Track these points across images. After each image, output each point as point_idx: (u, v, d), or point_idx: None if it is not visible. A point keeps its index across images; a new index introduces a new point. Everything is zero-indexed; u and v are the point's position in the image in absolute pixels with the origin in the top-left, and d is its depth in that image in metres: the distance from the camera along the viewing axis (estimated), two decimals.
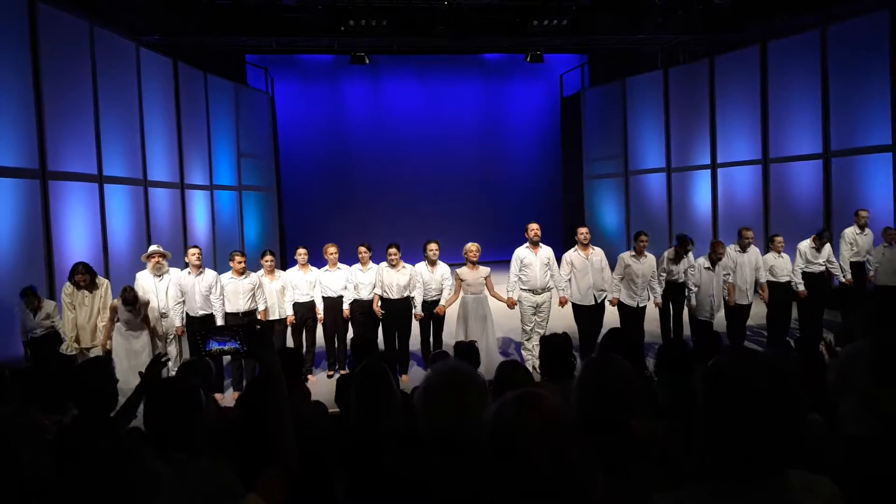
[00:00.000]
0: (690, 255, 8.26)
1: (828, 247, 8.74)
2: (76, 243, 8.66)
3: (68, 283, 7.15)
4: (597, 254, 8.18)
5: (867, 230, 9.03)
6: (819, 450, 2.99)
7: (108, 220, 9.35)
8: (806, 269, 8.60)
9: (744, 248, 8.35)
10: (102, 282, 7.34)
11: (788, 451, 1.46)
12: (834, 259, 8.78)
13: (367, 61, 14.97)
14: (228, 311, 7.55)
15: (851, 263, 8.91)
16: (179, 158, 11.70)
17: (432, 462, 1.87)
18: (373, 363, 3.12)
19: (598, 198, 16.41)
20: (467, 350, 4.74)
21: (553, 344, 3.89)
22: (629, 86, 15.40)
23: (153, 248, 7.86)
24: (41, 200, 8.05)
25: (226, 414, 3.96)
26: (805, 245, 8.69)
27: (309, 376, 7.98)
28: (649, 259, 8.19)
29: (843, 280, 8.82)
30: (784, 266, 8.52)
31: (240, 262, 7.62)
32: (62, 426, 3.12)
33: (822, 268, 8.64)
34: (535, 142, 18.78)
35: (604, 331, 8.44)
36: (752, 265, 8.36)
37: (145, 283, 7.54)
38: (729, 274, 8.22)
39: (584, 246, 8.16)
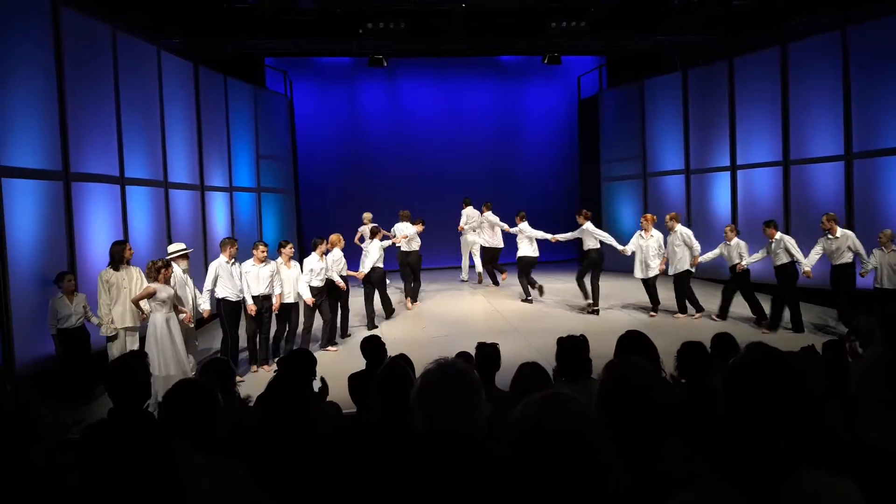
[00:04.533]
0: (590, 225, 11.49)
1: (789, 241, 9.75)
2: (98, 244, 8.76)
3: (108, 268, 7.75)
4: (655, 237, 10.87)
5: (831, 233, 9.47)
6: (845, 454, 2.96)
7: (130, 221, 9.46)
8: (776, 263, 9.85)
9: (671, 230, 10.84)
10: (134, 268, 7.96)
11: (808, 451, 1.45)
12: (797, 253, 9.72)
13: (385, 64, 15.02)
14: (257, 293, 8.67)
15: (837, 266, 9.54)
16: (199, 161, 11.81)
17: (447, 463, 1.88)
18: (393, 363, 3.14)
19: (616, 200, 16.34)
20: (488, 352, 4.74)
21: (570, 345, 3.88)
22: (647, 87, 15.33)
23: (181, 246, 8.37)
24: (64, 202, 8.16)
25: (245, 413, 3.99)
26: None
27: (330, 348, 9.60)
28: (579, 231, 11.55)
29: (802, 272, 9.70)
30: (731, 252, 10.35)
31: (263, 252, 8.72)
32: (90, 424, 3.16)
33: (787, 259, 9.72)
34: (553, 144, 18.72)
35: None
36: (677, 243, 10.75)
37: (178, 277, 8.03)
38: (661, 248, 10.88)
39: (647, 230, 10.89)
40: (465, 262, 14.66)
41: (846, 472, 1.69)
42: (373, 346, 5.27)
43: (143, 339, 7.70)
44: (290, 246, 9.31)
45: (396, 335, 9.83)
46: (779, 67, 12.11)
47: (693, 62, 14.38)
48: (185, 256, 8.26)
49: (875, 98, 10.50)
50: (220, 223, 12.48)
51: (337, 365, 8.07)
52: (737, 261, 10.28)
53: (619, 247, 11.32)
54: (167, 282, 7.45)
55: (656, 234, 10.88)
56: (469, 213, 14.18)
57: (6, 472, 2.10)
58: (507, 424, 1.63)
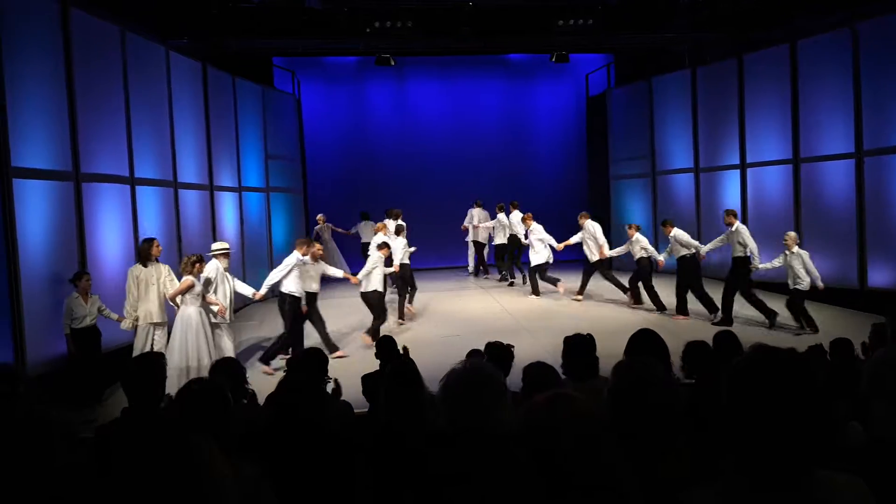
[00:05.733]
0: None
1: (681, 235, 10.79)
2: (108, 244, 8.82)
3: (137, 265, 8.03)
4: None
5: (730, 226, 10.29)
6: (855, 453, 2.95)
7: (140, 221, 9.51)
8: (681, 254, 10.77)
9: (581, 227, 12.21)
10: (163, 265, 8.22)
11: (816, 449, 1.45)
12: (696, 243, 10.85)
13: (393, 63, 15.01)
14: (312, 290, 9.18)
15: (737, 257, 10.19)
16: (208, 161, 11.85)
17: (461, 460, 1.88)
18: (401, 363, 3.15)
19: (625, 198, 16.28)
20: (497, 354, 4.75)
21: (576, 344, 3.89)
22: (656, 85, 15.26)
23: (225, 245, 8.65)
24: (74, 202, 8.21)
25: (257, 414, 4.01)
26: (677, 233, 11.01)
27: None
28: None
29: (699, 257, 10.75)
30: (633, 247, 11.46)
31: (320, 250, 9.44)
32: (102, 425, 3.18)
33: (685, 252, 10.69)
34: (561, 142, 18.68)
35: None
36: (587, 237, 12.11)
37: (219, 273, 8.34)
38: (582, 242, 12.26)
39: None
40: (470, 257, 16.30)
41: (857, 469, 1.68)
42: (387, 347, 5.33)
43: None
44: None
45: (406, 335, 9.85)
46: (788, 65, 12.03)
47: (702, 60, 14.31)
48: (226, 255, 8.49)
49: (886, 95, 10.42)
50: (229, 223, 12.52)
51: (355, 366, 8.16)
52: (639, 255, 11.39)
53: (525, 241, 13.14)
54: (199, 276, 7.83)
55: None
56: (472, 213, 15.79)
57: (19, 474, 2.12)
58: (516, 425, 1.63)
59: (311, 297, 9.19)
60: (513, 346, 4.93)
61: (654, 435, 2.04)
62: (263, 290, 8.87)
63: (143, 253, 8.06)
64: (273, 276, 8.84)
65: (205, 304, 7.88)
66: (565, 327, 8.21)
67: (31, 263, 7.38)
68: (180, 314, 7.72)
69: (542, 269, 12.47)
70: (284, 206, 15.00)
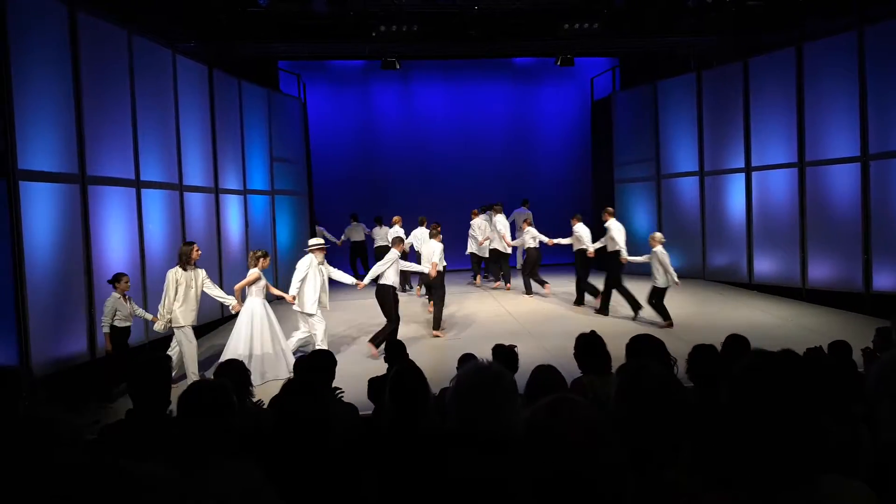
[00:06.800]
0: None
1: (583, 230, 11.96)
2: (114, 246, 8.84)
3: (177, 268, 8.11)
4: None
5: (606, 223, 11.44)
6: (862, 458, 2.94)
7: (145, 223, 9.53)
8: (575, 248, 12.11)
9: (491, 219, 14.06)
10: (200, 269, 8.36)
11: (818, 453, 1.44)
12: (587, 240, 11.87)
13: (398, 67, 15.03)
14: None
15: (611, 252, 11.24)
16: (214, 164, 11.87)
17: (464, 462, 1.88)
18: (406, 365, 3.15)
19: (630, 202, 16.26)
20: (505, 355, 4.76)
21: (586, 340, 3.98)
22: (661, 89, 15.25)
23: (320, 241, 9.20)
24: (81, 204, 8.24)
25: (260, 415, 4.01)
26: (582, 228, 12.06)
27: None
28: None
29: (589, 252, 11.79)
30: (525, 237, 13.10)
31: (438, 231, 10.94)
32: (107, 425, 3.18)
33: (580, 246, 11.91)
34: (566, 146, 18.68)
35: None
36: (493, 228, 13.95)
37: (314, 266, 8.83)
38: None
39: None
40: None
41: (864, 472, 1.67)
42: (396, 350, 5.35)
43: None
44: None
45: (410, 338, 9.85)
46: (794, 68, 12.02)
47: (707, 63, 14.30)
48: (321, 250, 9.03)
49: (892, 99, 10.39)
50: (234, 226, 12.54)
51: (361, 369, 8.16)
52: (530, 245, 13.01)
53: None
54: (264, 270, 8.39)
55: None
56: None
57: (21, 476, 2.12)
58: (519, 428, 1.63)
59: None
60: (515, 347, 4.95)
61: (661, 439, 2.04)
62: (367, 281, 9.67)
63: (183, 256, 8.17)
64: (376, 269, 9.62)
65: (268, 295, 8.55)
66: (568, 330, 8.21)
67: (37, 265, 7.40)
68: (245, 305, 8.28)
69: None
70: (289, 209, 15.02)
